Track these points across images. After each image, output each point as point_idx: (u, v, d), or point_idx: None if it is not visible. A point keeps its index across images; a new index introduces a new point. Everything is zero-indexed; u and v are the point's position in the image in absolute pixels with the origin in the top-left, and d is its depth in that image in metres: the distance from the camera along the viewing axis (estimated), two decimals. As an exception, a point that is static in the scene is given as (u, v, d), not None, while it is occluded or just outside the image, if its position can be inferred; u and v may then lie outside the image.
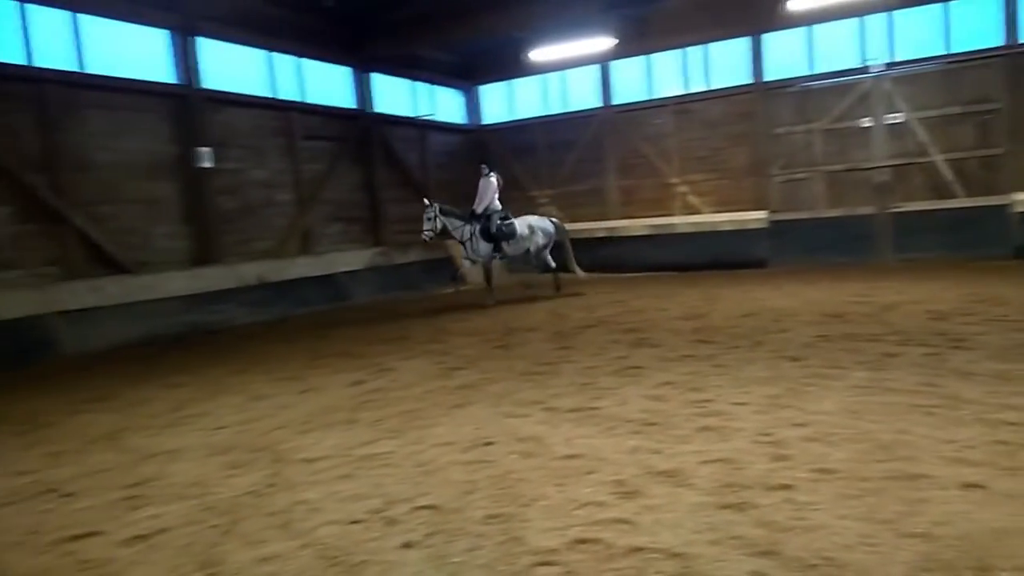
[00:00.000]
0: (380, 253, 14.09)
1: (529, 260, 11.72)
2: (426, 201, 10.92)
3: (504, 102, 17.46)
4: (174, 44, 10.77)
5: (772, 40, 13.87)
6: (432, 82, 16.48)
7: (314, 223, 13.24)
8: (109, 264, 9.66)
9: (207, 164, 10.93)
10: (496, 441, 4.21)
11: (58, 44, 9.41)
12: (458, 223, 10.85)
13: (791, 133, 13.79)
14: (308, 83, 13.27)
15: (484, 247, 10.87)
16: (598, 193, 16.01)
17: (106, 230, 9.67)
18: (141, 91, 10.31)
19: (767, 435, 3.94)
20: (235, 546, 3.09)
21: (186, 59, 10.82)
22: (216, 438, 4.78)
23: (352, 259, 13.40)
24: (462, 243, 10.93)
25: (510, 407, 4.94)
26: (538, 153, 16.72)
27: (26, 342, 8.23)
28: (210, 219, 10.97)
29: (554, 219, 12.05)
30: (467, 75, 17.18)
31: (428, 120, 16.18)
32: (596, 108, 15.88)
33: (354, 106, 14.26)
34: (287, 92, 12.82)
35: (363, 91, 14.37)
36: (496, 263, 11.66)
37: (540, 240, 11.46)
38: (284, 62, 12.79)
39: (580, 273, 11.96)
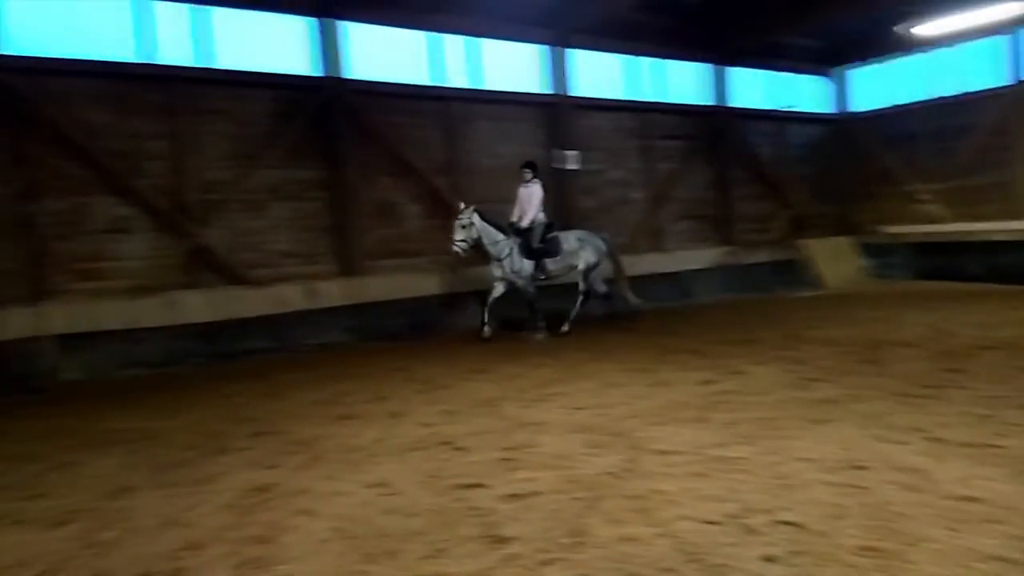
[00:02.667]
0: (728, 252, 13.74)
1: (577, 282, 9.81)
2: (461, 204, 9.18)
3: (877, 86, 15.54)
4: (549, 57, 11.86)
5: None
6: (792, 71, 15.40)
7: (664, 221, 13.45)
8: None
9: (573, 166, 11.83)
10: (868, 466, 3.78)
11: (459, 64, 11.08)
12: (498, 236, 9.12)
13: None
14: (665, 83, 13.51)
15: (525, 265, 9.17)
16: (1003, 187, 13.32)
17: (488, 225, 11.14)
18: (520, 102, 11.58)
19: None
20: (597, 521, 3.29)
21: (558, 70, 11.84)
22: (576, 417, 5.15)
23: (699, 257, 13.33)
24: (499, 260, 9.14)
25: (882, 430, 4.39)
26: (920, 142, 14.51)
27: (427, 317, 9.93)
28: (572, 217, 11.86)
29: (604, 235, 10.23)
30: (832, 60, 15.68)
31: (787, 111, 15.22)
32: (1003, 86, 13.23)
33: (709, 103, 14.07)
34: (645, 93, 13.21)
35: (719, 86, 14.10)
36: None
37: (591, 258, 9.72)
38: (643, 64, 13.18)
39: (632, 299, 10.22)
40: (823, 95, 16.11)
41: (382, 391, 6.45)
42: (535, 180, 9.46)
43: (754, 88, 14.94)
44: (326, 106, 9.67)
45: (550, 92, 11.87)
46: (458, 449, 4.55)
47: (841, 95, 16.08)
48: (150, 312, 8.18)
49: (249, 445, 4.95)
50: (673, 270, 12.86)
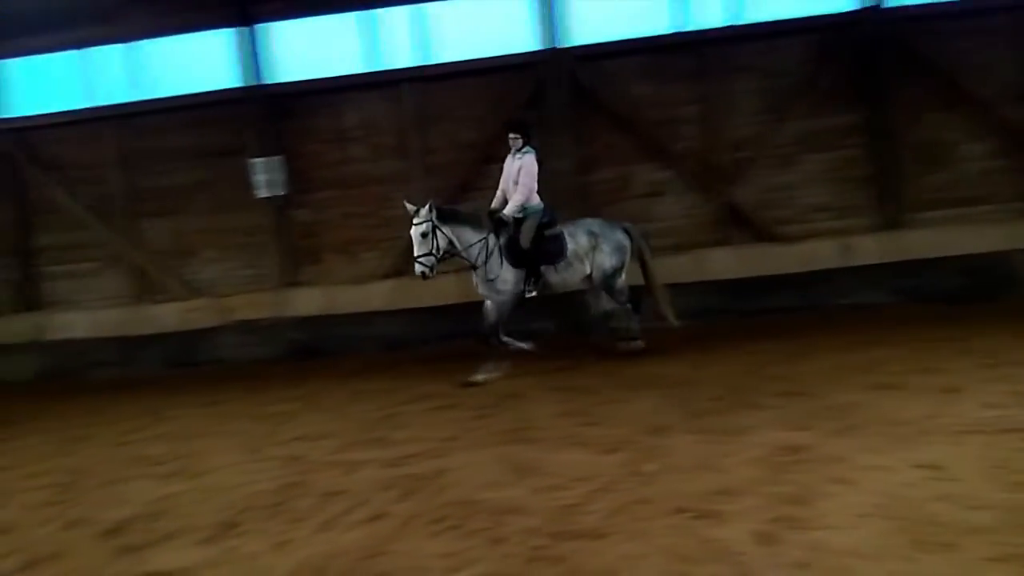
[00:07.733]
0: None
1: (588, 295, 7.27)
2: (408, 205, 6.35)
3: None
4: None
5: None
6: None
7: None
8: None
9: None
10: None
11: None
12: (473, 236, 6.46)
13: None
14: None
15: (510, 275, 6.51)
16: None
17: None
18: None
19: None
20: None
21: None
22: None
23: None
24: (474, 268, 6.51)
25: None
26: None
27: (994, 278, 8.25)
28: None
29: (627, 225, 7.19)
30: None
31: None
32: None
33: None
34: None
35: None
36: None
37: (609, 261, 6.84)
38: None
39: (672, 319, 7.16)
40: None
41: (929, 362, 5.65)
42: (528, 149, 6.66)
43: None
44: (866, 42, 8.70)
45: None
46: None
47: None
48: (682, 268, 8.75)
49: (777, 404, 4.95)
50: None
